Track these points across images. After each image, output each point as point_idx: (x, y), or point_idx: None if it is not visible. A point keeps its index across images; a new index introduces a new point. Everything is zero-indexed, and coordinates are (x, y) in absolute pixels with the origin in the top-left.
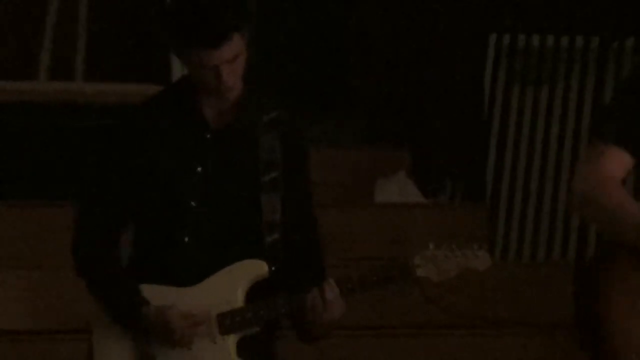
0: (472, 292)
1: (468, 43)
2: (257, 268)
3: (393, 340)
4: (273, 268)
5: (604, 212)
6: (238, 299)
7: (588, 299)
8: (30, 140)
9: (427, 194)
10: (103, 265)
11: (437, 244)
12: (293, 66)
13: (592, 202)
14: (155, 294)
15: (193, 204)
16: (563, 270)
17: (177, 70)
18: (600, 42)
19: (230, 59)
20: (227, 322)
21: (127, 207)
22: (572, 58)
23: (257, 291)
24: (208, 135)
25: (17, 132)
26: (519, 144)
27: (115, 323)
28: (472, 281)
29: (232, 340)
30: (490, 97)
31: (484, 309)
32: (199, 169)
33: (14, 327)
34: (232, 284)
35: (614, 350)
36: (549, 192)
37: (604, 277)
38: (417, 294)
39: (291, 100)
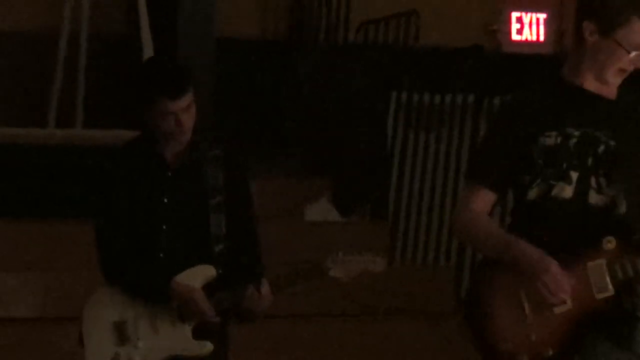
0: (376, 288)
1: (375, 99)
2: (207, 271)
3: (313, 324)
4: (220, 271)
5: (476, 239)
6: None
7: (473, 295)
8: (40, 174)
9: (344, 214)
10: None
11: (345, 251)
12: (242, 115)
13: (466, 233)
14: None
15: (164, 227)
16: (446, 272)
17: None
18: (475, 99)
19: (186, 107)
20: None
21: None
22: (453, 111)
23: (208, 288)
24: (169, 174)
25: (29, 169)
26: (413, 175)
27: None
28: (377, 279)
29: (189, 326)
30: (391, 139)
31: (385, 301)
32: (165, 200)
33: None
34: (190, 284)
35: (492, 336)
36: (437, 211)
37: (487, 278)
38: (334, 289)
39: (238, 140)
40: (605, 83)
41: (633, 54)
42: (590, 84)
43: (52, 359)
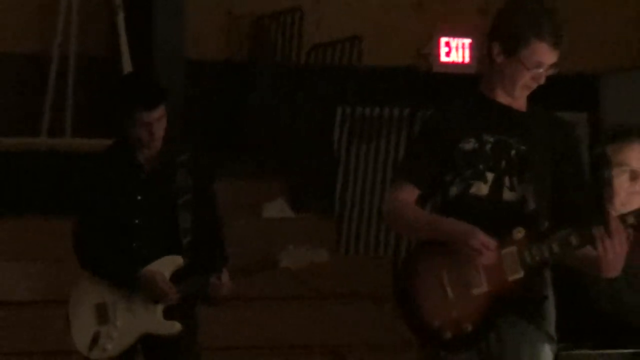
0: (326, 275)
1: (324, 112)
2: (175, 261)
3: (272, 307)
4: (187, 261)
5: (407, 223)
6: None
7: (403, 279)
8: (34, 177)
9: (296, 211)
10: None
11: (295, 245)
12: (208, 126)
13: (397, 219)
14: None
15: (137, 221)
16: (385, 261)
17: None
18: (409, 112)
19: (158, 118)
20: None
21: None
22: (391, 123)
23: (177, 276)
24: (143, 176)
25: (24, 173)
26: (356, 177)
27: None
28: (327, 268)
29: (159, 307)
30: (337, 147)
31: (334, 286)
32: (139, 197)
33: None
34: (161, 270)
35: (420, 315)
36: (377, 209)
37: (413, 264)
38: (290, 277)
39: (205, 148)
40: (513, 97)
41: (533, 71)
42: (502, 98)
43: (45, 337)
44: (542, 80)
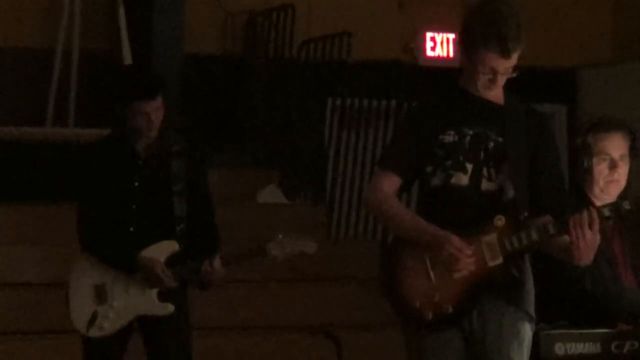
0: (316, 258)
1: (315, 104)
2: (170, 246)
3: (263, 289)
4: (181, 246)
5: (388, 219)
6: None
7: (388, 265)
8: (39, 165)
9: (289, 198)
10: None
11: (284, 234)
12: (205, 117)
13: (378, 211)
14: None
15: (134, 206)
16: (373, 245)
17: None
18: (396, 104)
19: (156, 108)
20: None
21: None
22: (378, 114)
23: (171, 260)
24: (140, 162)
25: (30, 161)
26: (346, 166)
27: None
28: (319, 252)
29: (154, 290)
30: (328, 137)
31: (325, 269)
32: (136, 183)
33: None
34: (157, 255)
35: (403, 297)
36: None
37: (398, 249)
38: (281, 262)
39: (202, 138)
40: (479, 93)
41: (487, 75)
42: (478, 91)
43: (48, 317)
44: (499, 83)
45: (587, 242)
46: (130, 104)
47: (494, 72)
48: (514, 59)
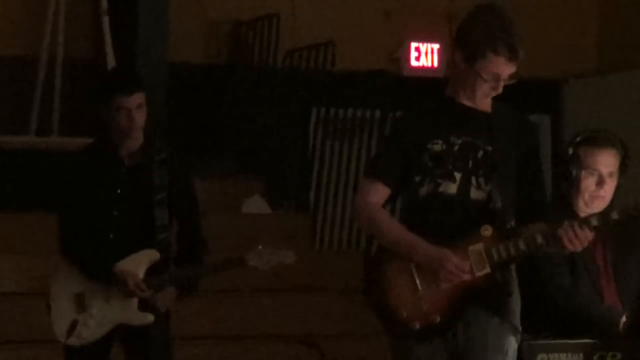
0: (300, 268)
1: (299, 113)
2: (151, 255)
3: (247, 298)
4: (162, 255)
5: (377, 231)
6: (140, 274)
7: (373, 275)
8: (23, 174)
9: (274, 207)
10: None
11: (264, 245)
12: (190, 126)
13: (366, 221)
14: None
15: (115, 213)
16: (357, 255)
17: None
18: (380, 114)
19: (137, 106)
20: None
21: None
22: (363, 124)
23: (153, 269)
24: (123, 170)
25: (13, 169)
26: (330, 176)
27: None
28: (302, 261)
29: (134, 299)
30: (312, 147)
31: (308, 280)
32: (118, 191)
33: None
34: (136, 265)
35: (389, 307)
36: (349, 206)
37: (383, 259)
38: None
39: (186, 147)
40: (474, 102)
41: (490, 82)
42: (466, 100)
43: (32, 327)
44: (500, 90)
45: (578, 246)
46: (110, 100)
47: (497, 79)
48: (515, 66)
